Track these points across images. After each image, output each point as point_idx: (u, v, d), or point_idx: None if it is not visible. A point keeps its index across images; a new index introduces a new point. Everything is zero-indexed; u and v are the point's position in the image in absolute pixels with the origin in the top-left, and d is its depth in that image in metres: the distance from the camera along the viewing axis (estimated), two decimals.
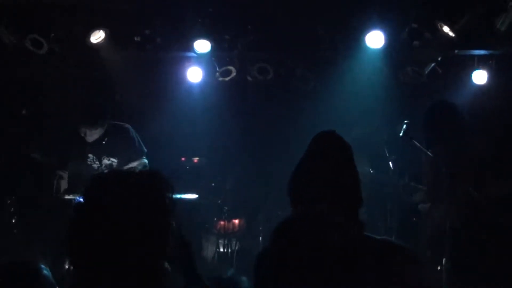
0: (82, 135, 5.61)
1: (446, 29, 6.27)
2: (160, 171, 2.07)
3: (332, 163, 2.52)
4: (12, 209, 5.92)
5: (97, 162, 5.75)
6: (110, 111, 5.77)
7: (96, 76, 7.06)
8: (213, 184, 7.34)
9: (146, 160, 5.98)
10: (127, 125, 5.95)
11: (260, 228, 7.12)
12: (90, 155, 5.75)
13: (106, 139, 5.71)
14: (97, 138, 5.67)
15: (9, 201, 5.91)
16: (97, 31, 6.47)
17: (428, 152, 5.26)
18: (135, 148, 5.92)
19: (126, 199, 1.90)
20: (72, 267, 1.95)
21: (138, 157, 5.91)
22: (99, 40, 6.49)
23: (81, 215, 1.93)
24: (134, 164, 5.84)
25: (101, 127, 5.63)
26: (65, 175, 5.72)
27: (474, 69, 6.80)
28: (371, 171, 6.53)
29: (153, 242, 1.91)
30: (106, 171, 5.48)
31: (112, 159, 5.77)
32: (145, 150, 5.99)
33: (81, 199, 1.97)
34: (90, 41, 6.46)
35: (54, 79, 7.01)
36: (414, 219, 6.44)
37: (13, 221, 5.89)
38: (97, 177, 2.01)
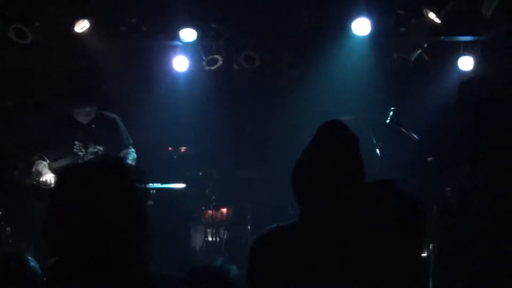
0: (81, 117, 5.63)
1: (432, 15, 6.27)
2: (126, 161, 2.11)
3: (338, 154, 2.52)
4: None
5: (83, 150, 5.72)
6: (100, 94, 5.76)
7: (81, 66, 6.98)
8: (200, 173, 7.33)
9: (134, 150, 5.99)
10: (115, 115, 5.96)
11: (248, 217, 7.13)
12: (77, 142, 5.72)
13: (94, 126, 5.70)
14: (87, 123, 5.66)
15: None
16: (82, 21, 6.40)
17: (415, 138, 5.28)
18: (122, 139, 5.92)
19: (99, 188, 1.92)
20: (51, 258, 1.95)
21: (124, 147, 5.92)
22: (84, 29, 6.42)
23: (55, 206, 1.93)
24: (122, 153, 5.84)
25: (94, 106, 5.66)
26: (45, 162, 5.68)
27: (460, 55, 6.82)
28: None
29: (129, 227, 1.92)
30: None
31: (98, 147, 5.75)
32: (131, 141, 5.99)
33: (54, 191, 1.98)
34: (74, 30, 6.40)
35: (39, 69, 6.93)
36: None
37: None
38: (68, 169, 2.02)
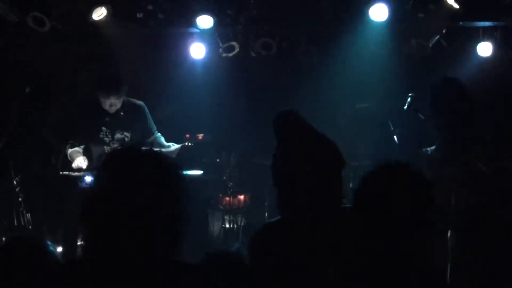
0: (107, 107, 5.67)
1: (450, 0, 6.22)
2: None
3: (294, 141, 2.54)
4: (19, 187, 5.94)
5: (109, 136, 5.79)
6: (125, 86, 5.79)
7: (99, 53, 7.02)
8: (218, 160, 7.34)
9: (159, 134, 6.06)
10: (142, 102, 6.03)
11: (266, 204, 7.14)
12: (104, 128, 5.78)
13: (122, 113, 5.76)
14: (116, 110, 5.71)
15: (15, 179, 5.91)
16: (99, 8, 6.43)
17: (433, 124, 5.24)
18: (148, 126, 6.03)
19: (141, 172, 1.98)
20: (86, 242, 1.99)
21: (149, 134, 6.00)
22: (101, 17, 6.45)
23: (97, 190, 1.97)
24: (151, 139, 5.92)
25: (124, 95, 5.71)
26: (80, 149, 5.76)
27: (479, 41, 6.75)
28: None
29: (167, 210, 1.95)
30: (117, 145, 5.56)
31: (125, 133, 5.82)
32: (155, 128, 6.07)
33: (95, 174, 2.02)
34: (92, 18, 6.42)
35: (58, 57, 6.96)
36: None
37: (20, 199, 5.91)
38: (112, 153, 2.07)
